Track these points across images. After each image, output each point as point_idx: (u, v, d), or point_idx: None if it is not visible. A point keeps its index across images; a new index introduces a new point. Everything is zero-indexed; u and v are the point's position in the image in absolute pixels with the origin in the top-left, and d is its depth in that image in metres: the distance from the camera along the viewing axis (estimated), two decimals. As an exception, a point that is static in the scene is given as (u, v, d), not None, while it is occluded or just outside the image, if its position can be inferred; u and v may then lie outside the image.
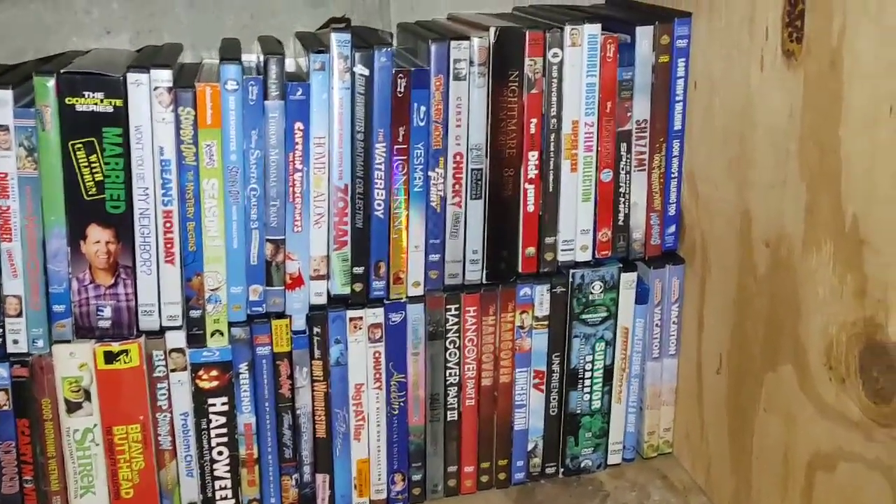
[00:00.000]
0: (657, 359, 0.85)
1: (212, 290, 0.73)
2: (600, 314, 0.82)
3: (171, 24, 0.82)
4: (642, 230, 0.81)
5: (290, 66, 0.78)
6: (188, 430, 0.76)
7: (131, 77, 0.67)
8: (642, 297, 0.83)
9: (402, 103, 0.72)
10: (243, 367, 0.75)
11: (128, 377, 0.73)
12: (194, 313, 0.73)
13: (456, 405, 0.81)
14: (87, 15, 0.80)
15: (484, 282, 0.79)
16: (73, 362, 0.72)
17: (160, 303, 0.72)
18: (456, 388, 0.81)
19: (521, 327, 0.81)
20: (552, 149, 0.77)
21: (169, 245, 0.71)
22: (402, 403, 0.80)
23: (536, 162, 0.77)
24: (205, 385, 0.75)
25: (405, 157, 0.74)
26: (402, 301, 0.77)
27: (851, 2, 0.57)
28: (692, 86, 0.78)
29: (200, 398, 0.75)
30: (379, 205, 0.74)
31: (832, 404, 0.63)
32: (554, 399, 0.83)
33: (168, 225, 0.70)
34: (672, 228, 0.82)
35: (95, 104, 0.67)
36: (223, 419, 0.76)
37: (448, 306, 0.78)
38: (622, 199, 0.80)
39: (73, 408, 0.73)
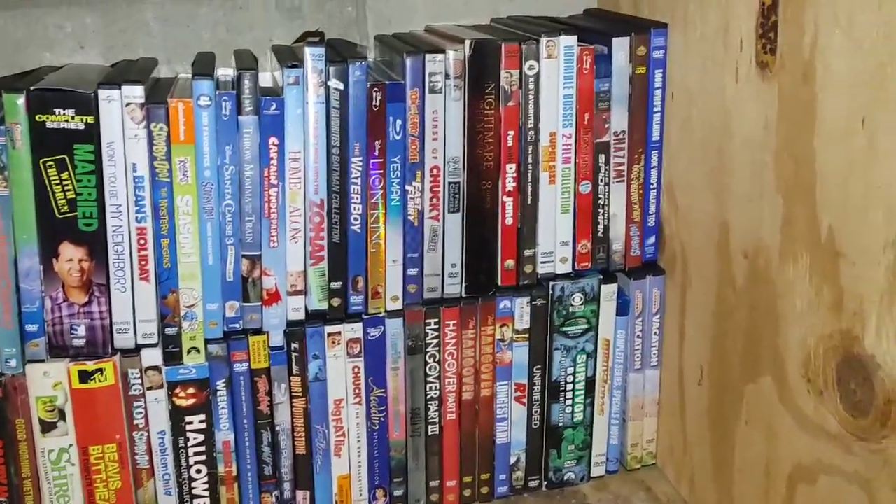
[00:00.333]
0: (639, 370, 0.85)
1: (187, 307, 0.72)
2: (581, 326, 0.82)
3: (146, 39, 0.81)
4: (622, 241, 0.81)
5: (266, 80, 0.78)
6: (165, 448, 0.75)
7: (103, 93, 0.66)
8: (623, 308, 0.83)
9: (377, 117, 0.72)
10: (221, 384, 0.75)
11: (103, 396, 0.72)
12: (170, 331, 0.72)
13: (437, 419, 0.81)
14: (60, 30, 0.79)
15: (463, 295, 0.78)
16: (47, 382, 0.71)
17: (135, 320, 0.71)
18: (437, 402, 0.80)
19: (502, 340, 0.80)
20: (530, 161, 0.76)
21: (143, 262, 0.70)
22: (382, 418, 0.79)
23: (514, 174, 0.76)
24: (182, 403, 0.74)
25: (382, 171, 0.73)
26: (381, 315, 0.77)
27: (823, 14, 0.57)
28: (670, 96, 0.78)
29: (178, 416, 0.74)
30: (356, 219, 0.74)
31: (811, 417, 0.62)
32: (536, 412, 0.83)
33: (142, 242, 0.70)
34: (652, 239, 0.82)
35: (66, 121, 0.66)
36: (201, 437, 0.75)
37: (427, 320, 0.78)
38: (601, 211, 0.79)
39: (47, 428, 0.72)
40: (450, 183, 0.75)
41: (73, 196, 0.67)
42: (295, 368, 0.76)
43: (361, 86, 0.71)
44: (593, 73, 0.76)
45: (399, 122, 0.72)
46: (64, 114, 0.66)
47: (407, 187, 0.74)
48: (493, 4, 0.89)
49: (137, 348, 0.72)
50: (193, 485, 0.76)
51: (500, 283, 0.79)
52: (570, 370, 0.83)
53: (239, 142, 0.70)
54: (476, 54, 0.73)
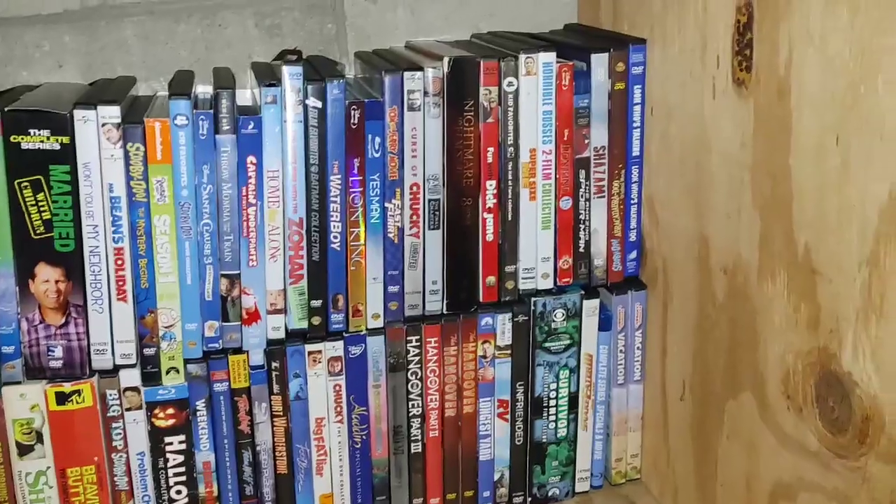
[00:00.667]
0: (622, 385, 0.85)
1: (166, 327, 0.71)
2: (563, 342, 0.81)
3: (125, 57, 0.81)
4: (603, 257, 0.81)
5: (247, 98, 0.78)
6: (145, 469, 0.74)
7: (78, 114, 0.66)
8: (605, 323, 0.82)
9: (356, 135, 0.72)
10: (200, 404, 0.74)
11: (81, 418, 0.71)
12: (148, 351, 0.72)
13: (420, 437, 0.80)
14: (38, 48, 0.79)
15: (445, 312, 0.78)
16: (24, 404, 0.70)
17: (113, 341, 0.71)
18: (419, 419, 0.80)
19: (484, 357, 0.80)
20: (510, 177, 0.76)
21: (121, 283, 0.70)
22: (364, 437, 0.79)
23: (494, 191, 0.76)
24: (161, 423, 0.73)
25: (361, 189, 0.73)
26: (362, 333, 0.76)
27: (796, 31, 0.57)
28: (649, 112, 0.78)
29: (157, 437, 0.74)
30: (335, 237, 0.73)
31: (791, 434, 0.62)
32: (519, 428, 0.83)
33: (119, 262, 0.69)
34: (633, 254, 0.82)
35: (42, 141, 0.66)
36: (181, 458, 0.75)
37: (409, 337, 0.77)
38: (582, 226, 0.79)
39: (24, 450, 0.71)
40: (430, 200, 0.75)
41: (49, 217, 0.67)
42: (275, 387, 0.75)
43: (339, 104, 0.71)
44: (572, 89, 0.76)
45: (378, 139, 0.72)
46: (39, 134, 0.65)
47: (387, 205, 0.74)
48: (473, 20, 0.89)
49: (115, 369, 0.71)
50: (174, 506, 0.75)
51: (481, 299, 0.78)
52: (553, 386, 0.82)
53: (216, 161, 0.69)
54: (455, 71, 0.73)
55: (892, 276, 0.52)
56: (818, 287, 0.58)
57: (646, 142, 0.79)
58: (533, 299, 0.79)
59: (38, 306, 0.69)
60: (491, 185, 0.76)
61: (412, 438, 0.80)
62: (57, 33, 0.79)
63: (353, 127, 0.71)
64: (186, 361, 0.73)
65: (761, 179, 0.63)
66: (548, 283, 0.80)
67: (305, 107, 0.70)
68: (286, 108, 0.70)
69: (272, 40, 0.84)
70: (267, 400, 0.75)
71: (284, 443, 0.77)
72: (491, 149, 0.75)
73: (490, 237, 0.77)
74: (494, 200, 0.76)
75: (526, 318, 0.80)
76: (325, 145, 0.71)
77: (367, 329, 0.76)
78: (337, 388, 0.77)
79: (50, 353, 0.70)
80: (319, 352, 0.75)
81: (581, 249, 0.80)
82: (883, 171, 0.51)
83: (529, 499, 0.85)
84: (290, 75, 0.70)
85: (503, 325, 0.79)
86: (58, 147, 0.66)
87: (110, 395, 0.72)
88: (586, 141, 0.77)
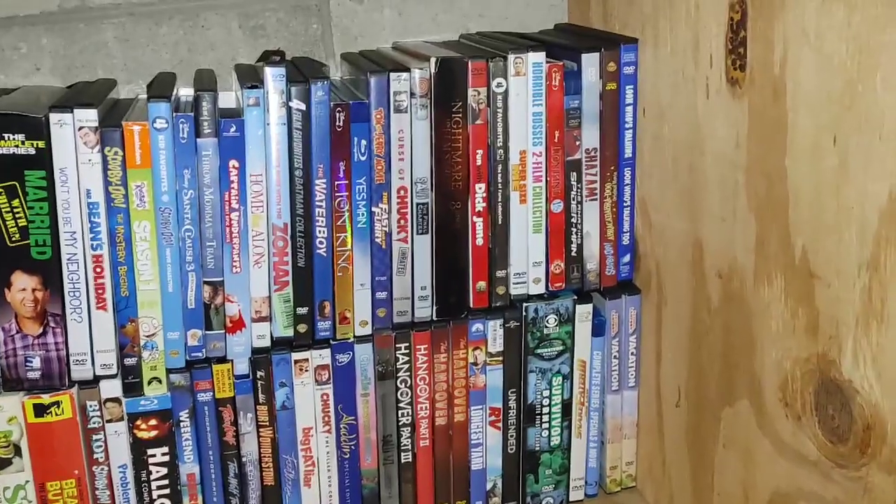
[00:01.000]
0: (616, 391, 0.83)
1: (147, 336, 0.70)
2: (556, 348, 0.80)
3: (105, 60, 0.79)
4: (596, 260, 0.79)
5: (230, 100, 0.76)
6: (127, 482, 0.72)
7: (54, 117, 0.64)
8: (599, 328, 0.81)
9: (341, 138, 0.70)
10: (184, 414, 0.72)
11: (60, 430, 0.69)
12: (130, 361, 0.70)
13: (410, 446, 0.78)
14: (16, 51, 0.77)
15: (434, 318, 0.76)
16: (1, 416, 0.68)
17: (93, 351, 0.69)
18: (409, 428, 0.78)
19: (475, 364, 0.78)
20: (500, 180, 0.74)
21: (100, 291, 0.68)
22: (353, 447, 0.77)
23: (484, 194, 0.74)
24: (143, 435, 0.72)
25: (347, 193, 0.71)
26: (350, 341, 0.75)
27: (791, 29, 0.56)
28: (641, 113, 0.76)
29: (139, 449, 0.72)
30: (321, 242, 0.71)
31: (789, 442, 0.61)
32: (511, 436, 0.81)
33: (98, 270, 0.67)
34: (627, 258, 0.80)
35: (16, 146, 0.64)
36: (164, 470, 0.73)
37: (398, 345, 0.76)
38: (574, 230, 0.78)
39: (2, 464, 0.69)
40: (418, 204, 0.73)
41: (25, 223, 0.65)
42: (261, 397, 0.73)
43: (324, 106, 0.69)
44: (563, 90, 0.74)
45: (364, 142, 0.70)
46: (13, 139, 0.63)
47: (373, 209, 0.72)
48: (462, 20, 0.87)
49: (96, 380, 0.70)
50: (157, 519, 0.73)
51: (471, 305, 0.77)
52: (546, 393, 0.81)
53: (198, 165, 0.68)
54: (442, 72, 0.71)
55: (893, 280, 0.50)
56: (816, 291, 0.56)
57: (638, 143, 0.77)
58: (524, 305, 0.78)
59: (15, 315, 0.67)
60: (480, 189, 0.74)
61: (402, 448, 0.78)
62: (34, 35, 0.77)
63: (339, 129, 0.70)
64: (169, 371, 0.71)
65: (757, 181, 0.61)
66: (539, 288, 0.78)
67: (289, 109, 0.68)
68: (269, 111, 0.68)
69: (257, 41, 0.82)
70: (252, 410, 0.73)
71: (271, 454, 0.75)
72: (480, 151, 0.73)
73: (480, 241, 0.75)
74: (484, 204, 0.75)
75: (517, 323, 0.78)
76: (310, 148, 0.69)
77: (354, 336, 0.75)
78: (324, 397, 0.75)
79: (28, 363, 0.68)
80: (306, 360, 0.74)
81: (573, 253, 0.78)
82: (882, 172, 0.50)
83: (523, 508, 0.84)
84: (273, 77, 0.68)
85: (494, 332, 0.78)
86: (33, 152, 0.64)
87: (91, 406, 0.70)
88: (577, 142, 0.76)
